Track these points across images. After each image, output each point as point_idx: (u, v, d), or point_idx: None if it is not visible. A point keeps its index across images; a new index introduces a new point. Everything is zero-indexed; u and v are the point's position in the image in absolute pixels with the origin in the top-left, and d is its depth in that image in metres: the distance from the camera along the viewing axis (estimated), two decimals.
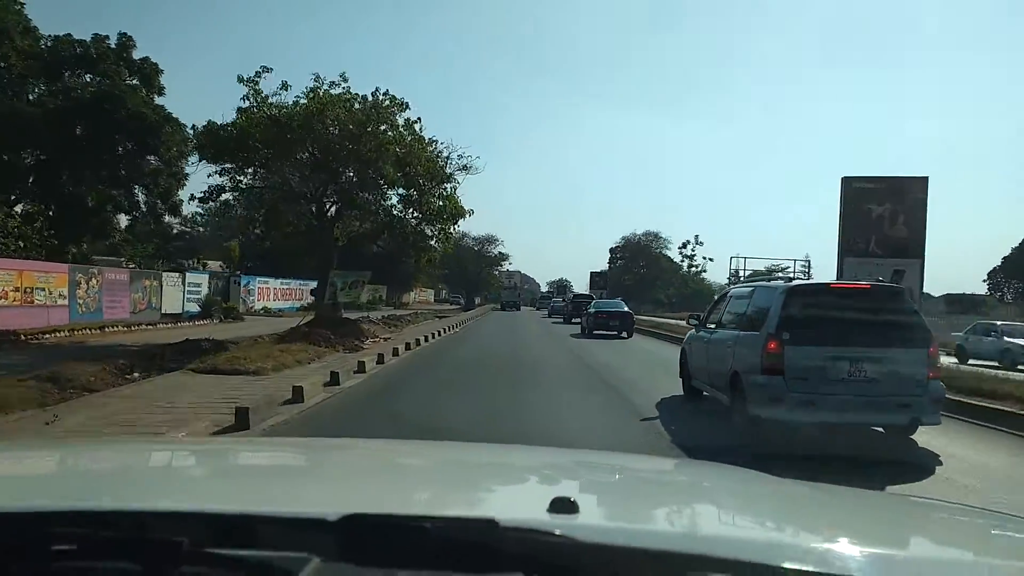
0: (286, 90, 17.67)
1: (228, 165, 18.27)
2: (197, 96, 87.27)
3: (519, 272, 75.84)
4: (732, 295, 8.77)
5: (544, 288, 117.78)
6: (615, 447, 6.61)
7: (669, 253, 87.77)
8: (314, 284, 32.60)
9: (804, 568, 0.80)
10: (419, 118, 18.65)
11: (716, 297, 10.24)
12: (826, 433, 6.69)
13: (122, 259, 27.98)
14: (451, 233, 20.38)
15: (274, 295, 37.55)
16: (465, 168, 19.29)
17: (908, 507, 1.58)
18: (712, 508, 1.42)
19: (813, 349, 6.59)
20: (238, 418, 6.74)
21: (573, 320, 33.76)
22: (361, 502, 1.13)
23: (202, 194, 19.06)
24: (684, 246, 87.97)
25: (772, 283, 8.17)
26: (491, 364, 14.14)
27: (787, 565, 0.81)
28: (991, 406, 8.63)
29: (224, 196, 19.42)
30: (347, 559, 0.77)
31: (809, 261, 51.39)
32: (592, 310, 27.68)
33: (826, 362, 6.57)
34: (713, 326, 8.76)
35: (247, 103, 17.38)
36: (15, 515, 0.87)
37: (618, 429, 7.74)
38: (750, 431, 6.81)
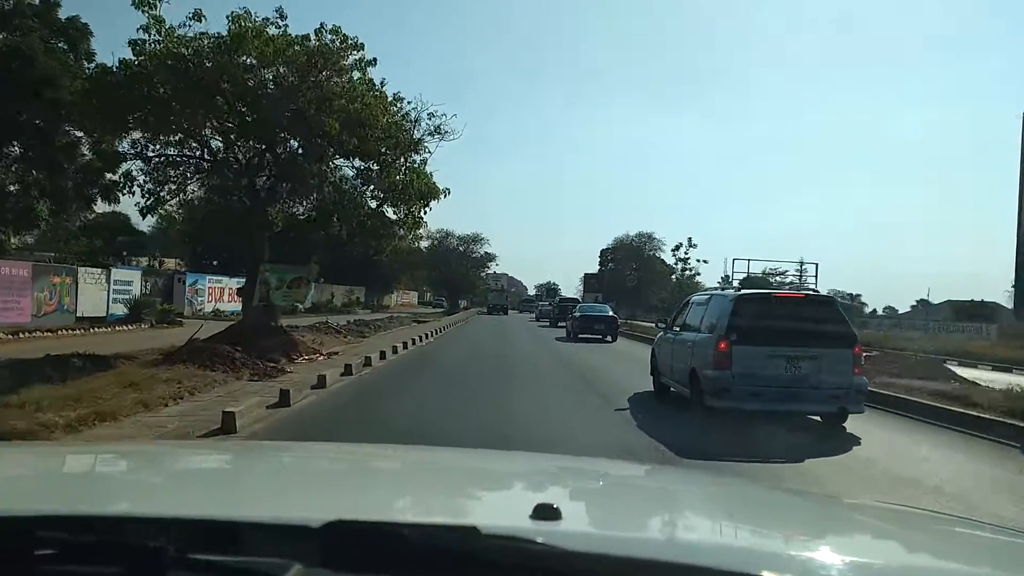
0: (199, 21, 14.13)
1: (135, 133, 14.94)
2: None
3: (506, 275, 79.05)
4: (693, 302, 10.23)
5: (531, 291, 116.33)
6: (591, 434, 7.89)
7: (663, 256, 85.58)
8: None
9: None
10: (374, 59, 15.20)
11: (681, 304, 11.50)
12: (770, 419, 7.89)
13: (51, 254, 26.08)
14: (420, 217, 16.76)
15: (228, 295, 34.28)
16: (438, 132, 15.97)
17: (889, 515, 1.61)
18: (695, 515, 1.47)
19: (756, 349, 8.04)
20: None
21: (559, 324, 34.88)
22: (344, 508, 1.17)
23: (143, 203, 15.47)
24: (677, 248, 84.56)
25: (725, 292, 9.61)
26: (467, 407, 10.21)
27: (766, 574, 0.83)
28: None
29: (126, 167, 15.81)
30: (329, 565, 0.79)
31: (817, 265, 50.25)
32: (577, 314, 29.05)
33: (767, 360, 8.02)
34: (678, 329, 10.02)
35: (146, 35, 13.67)
36: None
37: (594, 418, 9.08)
38: (706, 418, 8.06)
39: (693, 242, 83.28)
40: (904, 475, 6.83)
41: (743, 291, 10.54)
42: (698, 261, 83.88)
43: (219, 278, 34.74)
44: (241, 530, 0.86)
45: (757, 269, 60.02)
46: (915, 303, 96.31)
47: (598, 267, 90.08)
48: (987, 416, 8.95)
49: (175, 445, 3.85)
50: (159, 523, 0.90)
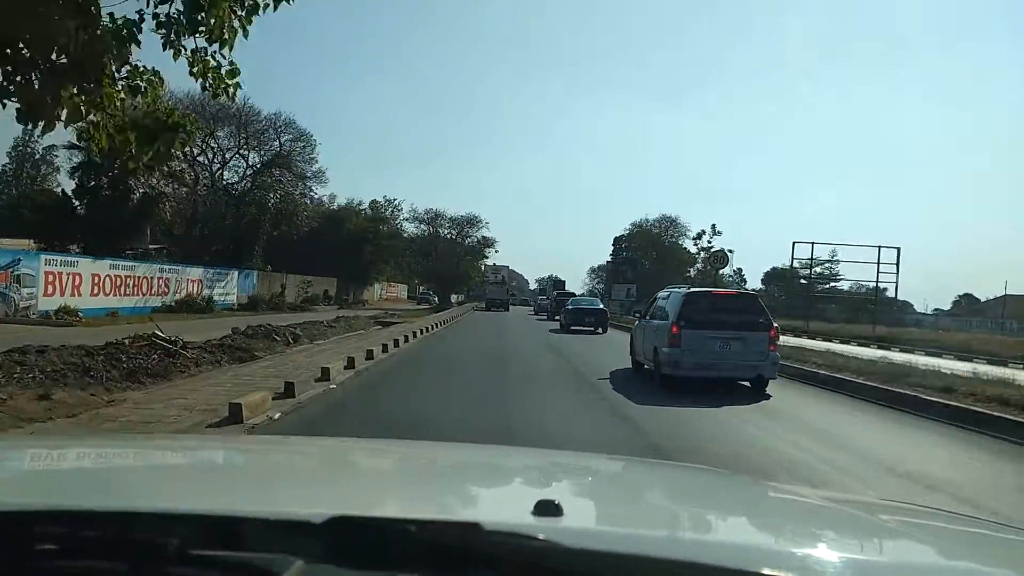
0: None
1: None
2: None
3: (507, 267, 70.28)
4: (658, 297, 13.61)
5: (533, 285, 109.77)
6: (580, 393, 11.03)
7: (685, 244, 79.29)
8: (201, 271, 31.42)
9: (782, 575, 0.85)
10: None
11: (651, 299, 14.76)
12: (712, 384, 11.25)
13: None
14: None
15: (98, 285, 25.39)
16: None
17: (889, 512, 1.62)
18: (696, 512, 1.50)
19: (699, 332, 11.38)
20: None
21: (555, 317, 37.96)
22: (346, 503, 1.21)
23: None
24: (699, 236, 78.82)
25: (679, 289, 12.91)
26: None
27: (767, 571, 0.84)
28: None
29: None
30: (331, 561, 0.80)
31: (899, 249, 43.79)
32: (570, 307, 32.18)
33: (707, 340, 11.22)
34: (649, 318, 13.28)
35: None
36: None
37: (581, 384, 12.25)
38: (663, 378, 11.78)
39: (717, 229, 76.18)
40: (788, 413, 10.17)
41: (691, 289, 14.08)
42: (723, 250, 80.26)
43: (73, 259, 25.02)
44: (243, 525, 0.87)
45: (822, 253, 55.36)
46: (957, 298, 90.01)
47: (610, 257, 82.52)
48: (852, 379, 12.80)
49: (176, 439, 3.98)
50: (161, 518, 0.91)
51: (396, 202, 68.78)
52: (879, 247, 44.31)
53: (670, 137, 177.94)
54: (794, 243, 47.32)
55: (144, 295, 27.89)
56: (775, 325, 12.36)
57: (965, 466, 7.44)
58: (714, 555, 0.90)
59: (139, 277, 27.91)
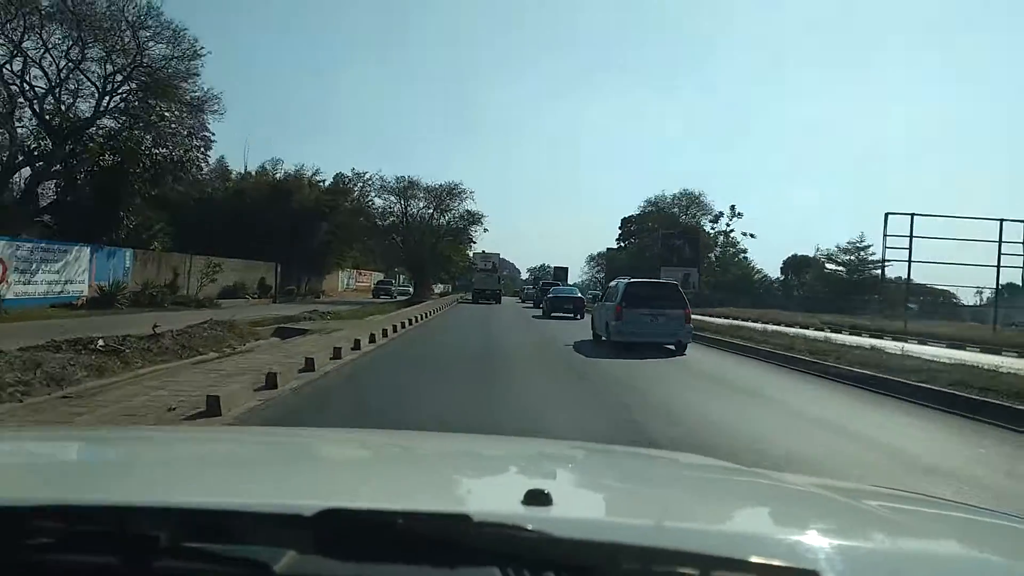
0: None
1: None
2: None
3: (498, 255, 58.95)
4: (610, 285, 18.43)
5: (524, 275, 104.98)
6: (552, 352, 15.73)
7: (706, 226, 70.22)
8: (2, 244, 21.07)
9: (772, 563, 0.86)
10: None
11: (611, 285, 19.54)
12: (645, 347, 16.15)
13: None
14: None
15: None
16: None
17: (879, 498, 1.65)
18: (685, 500, 1.53)
19: (636, 310, 16.22)
20: None
21: (540, 305, 42.43)
22: (337, 494, 1.24)
23: None
24: (717, 219, 71.55)
25: (624, 280, 17.77)
26: None
27: (755, 559, 0.86)
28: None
29: None
30: (322, 553, 0.82)
31: None
32: (550, 295, 37.35)
33: (641, 316, 16.10)
34: (604, 301, 18.17)
35: None
36: None
37: (553, 347, 17.10)
38: (612, 346, 16.64)
39: (737, 211, 68.52)
40: (696, 367, 14.90)
41: (631, 280, 19.16)
42: (744, 235, 68.27)
43: None
44: (234, 518, 0.88)
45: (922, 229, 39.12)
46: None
47: (616, 241, 76.63)
48: (750, 345, 17.77)
49: (164, 430, 3.99)
50: (152, 512, 0.92)
51: (366, 176, 56.31)
52: (1000, 220, 34.02)
53: (684, 116, 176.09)
54: (887, 214, 35.56)
55: (72, 276, 23.43)
56: (688, 307, 17.45)
57: (768, 376, 12.30)
58: (701, 543, 0.91)
59: (65, 259, 22.94)
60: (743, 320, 32.47)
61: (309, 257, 46.03)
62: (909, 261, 35.61)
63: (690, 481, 1.79)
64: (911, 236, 35.11)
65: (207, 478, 1.38)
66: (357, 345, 13.62)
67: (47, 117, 30.22)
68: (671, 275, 30.65)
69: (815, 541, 1.06)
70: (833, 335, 23.37)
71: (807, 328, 27.37)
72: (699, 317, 34.35)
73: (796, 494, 1.63)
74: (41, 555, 0.84)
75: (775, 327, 24.94)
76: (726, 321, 29.14)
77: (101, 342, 10.45)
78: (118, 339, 10.91)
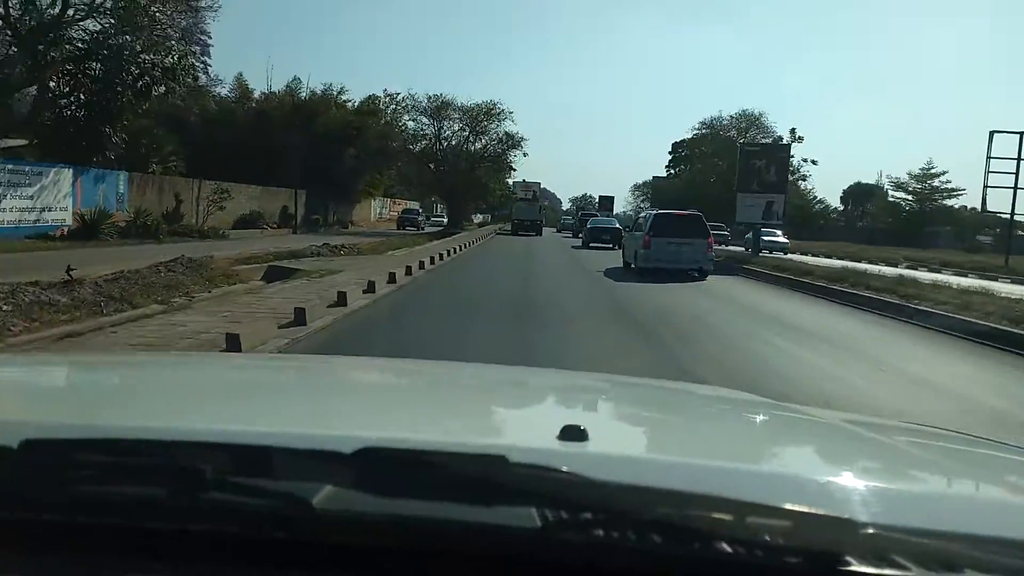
0: None
1: None
2: None
3: (539, 183, 55.10)
4: (640, 217, 19.91)
5: (566, 205, 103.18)
6: (583, 277, 17.40)
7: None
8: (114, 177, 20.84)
9: (808, 510, 0.83)
10: None
11: (641, 216, 20.95)
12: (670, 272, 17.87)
13: None
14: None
15: None
16: None
17: (907, 434, 1.62)
18: (719, 436, 1.50)
19: (662, 239, 17.90)
20: None
21: (579, 234, 44.27)
22: (374, 426, 1.28)
23: None
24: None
25: (652, 212, 19.14)
26: None
27: (789, 506, 0.83)
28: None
29: None
30: (360, 488, 0.83)
31: None
32: (589, 226, 38.73)
33: (667, 245, 17.79)
34: (633, 231, 19.69)
35: None
36: (37, 441, 0.89)
37: (584, 273, 18.84)
38: (639, 270, 18.38)
39: (799, 135, 60.00)
40: (713, 291, 16.38)
41: (659, 211, 20.68)
42: (805, 161, 60.77)
43: None
44: (277, 454, 0.89)
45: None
46: None
47: (665, 168, 72.08)
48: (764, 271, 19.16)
49: (203, 356, 3.96)
50: (198, 446, 0.92)
51: (399, 97, 51.57)
52: None
53: (741, 32, 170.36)
54: (992, 132, 31.32)
55: (48, 202, 21.24)
56: (710, 236, 18.97)
57: (780, 298, 13.76)
58: (738, 484, 0.89)
59: (36, 181, 20.74)
60: (814, 256, 31.50)
61: (336, 184, 42.48)
62: (1015, 188, 31.56)
63: (725, 416, 1.78)
64: (1020, 159, 31.38)
65: (245, 409, 1.39)
66: (371, 288, 11.15)
67: (11, 18, 24.91)
68: (751, 203, 26.91)
69: (850, 482, 1.02)
70: (933, 275, 19.99)
71: (896, 265, 25.91)
72: (799, 257, 29.59)
73: (836, 431, 1.59)
74: (88, 486, 0.83)
75: (867, 266, 22.15)
76: (826, 261, 26.72)
77: None
78: (8, 290, 7.86)
